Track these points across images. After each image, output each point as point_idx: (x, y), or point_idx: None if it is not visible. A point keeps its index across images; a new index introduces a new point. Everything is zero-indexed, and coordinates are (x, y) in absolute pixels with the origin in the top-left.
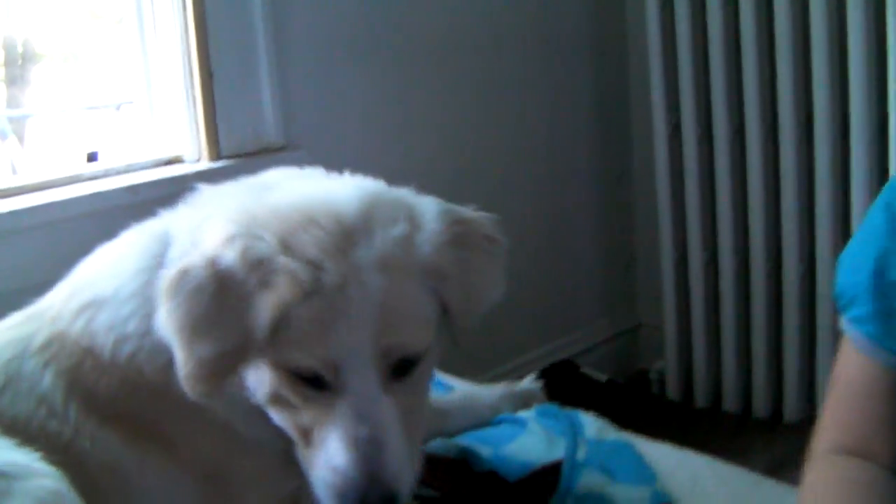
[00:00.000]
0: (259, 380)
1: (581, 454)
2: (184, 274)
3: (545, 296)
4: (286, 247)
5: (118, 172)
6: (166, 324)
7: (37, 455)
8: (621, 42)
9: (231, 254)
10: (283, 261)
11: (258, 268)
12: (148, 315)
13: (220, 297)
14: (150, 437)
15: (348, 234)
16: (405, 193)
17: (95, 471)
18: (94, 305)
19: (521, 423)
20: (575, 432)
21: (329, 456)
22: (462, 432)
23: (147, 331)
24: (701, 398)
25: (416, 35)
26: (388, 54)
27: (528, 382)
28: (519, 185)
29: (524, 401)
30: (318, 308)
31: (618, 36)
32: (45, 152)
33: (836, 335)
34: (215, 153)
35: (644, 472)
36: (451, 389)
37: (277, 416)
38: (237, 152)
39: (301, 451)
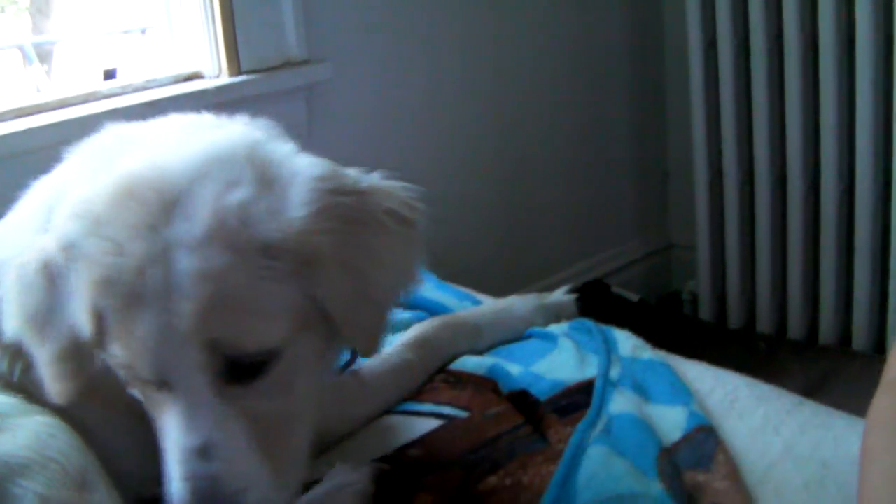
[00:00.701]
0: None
1: (615, 373)
2: (19, 268)
3: (576, 214)
4: (98, 227)
5: (136, 89)
6: (10, 324)
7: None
8: None
9: (52, 241)
10: (88, 244)
11: (71, 254)
12: None
13: (48, 290)
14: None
15: (166, 205)
16: (279, 153)
17: None
18: None
19: (552, 339)
20: (608, 349)
21: (166, 466)
22: (492, 348)
23: None
24: (734, 319)
25: None
26: None
27: (561, 294)
28: (550, 101)
29: (556, 313)
30: (121, 297)
31: None
32: (69, 76)
33: (875, 255)
34: (235, 68)
35: (680, 392)
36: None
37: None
38: (258, 67)
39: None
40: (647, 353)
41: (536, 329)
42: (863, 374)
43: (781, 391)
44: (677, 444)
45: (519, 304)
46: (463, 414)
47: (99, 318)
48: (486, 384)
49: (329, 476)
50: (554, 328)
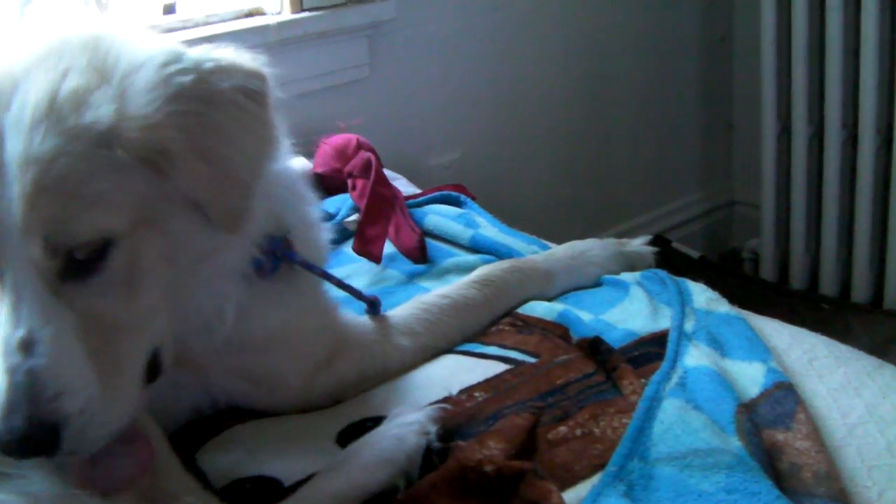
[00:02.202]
0: None
1: (689, 325)
2: None
3: (639, 167)
4: None
5: (196, 24)
6: None
7: None
8: None
9: None
10: None
11: None
12: None
13: None
14: None
15: (2, 94)
16: (124, 43)
17: None
18: None
19: (624, 288)
20: (683, 301)
21: None
22: (564, 293)
23: None
24: (797, 280)
25: None
26: None
27: (640, 244)
28: (617, 49)
29: (633, 262)
30: None
31: None
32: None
33: None
34: (298, 4)
35: (758, 348)
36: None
37: None
38: (321, 4)
39: None
40: (724, 306)
41: (608, 276)
42: None
43: (860, 353)
44: (755, 401)
45: (596, 249)
46: (531, 359)
47: None
48: (555, 330)
49: (392, 415)
50: (626, 276)
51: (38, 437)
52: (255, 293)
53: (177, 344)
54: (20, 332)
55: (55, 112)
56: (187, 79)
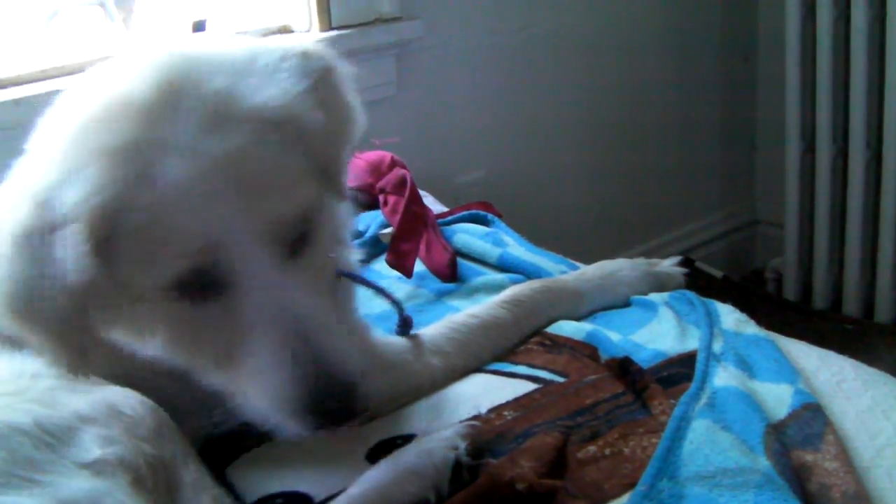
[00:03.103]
0: (139, 327)
1: (717, 346)
2: None
3: (661, 187)
4: (94, 153)
5: None
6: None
7: None
8: None
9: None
10: (85, 176)
11: (42, 212)
12: None
13: (23, 263)
14: None
15: (150, 110)
16: (240, 45)
17: None
18: None
19: (653, 308)
20: (711, 322)
21: (260, 373)
22: (593, 313)
23: None
24: (820, 300)
25: None
26: None
27: (670, 265)
28: (640, 67)
29: (663, 283)
30: (153, 201)
31: None
32: (155, 29)
33: None
34: (326, 22)
35: (786, 370)
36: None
37: (180, 356)
38: (349, 22)
39: (222, 380)
40: (752, 328)
41: (636, 297)
42: None
43: (887, 376)
44: (784, 421)
45: (626, 270)
46: (560, 378)
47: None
48: (584, 349)
49: (422, 432)
50: (655, 297)
51: (344, 404)
52: None
53: None
54: (286, 323)
55: (228, 108)
56: (311, 63)
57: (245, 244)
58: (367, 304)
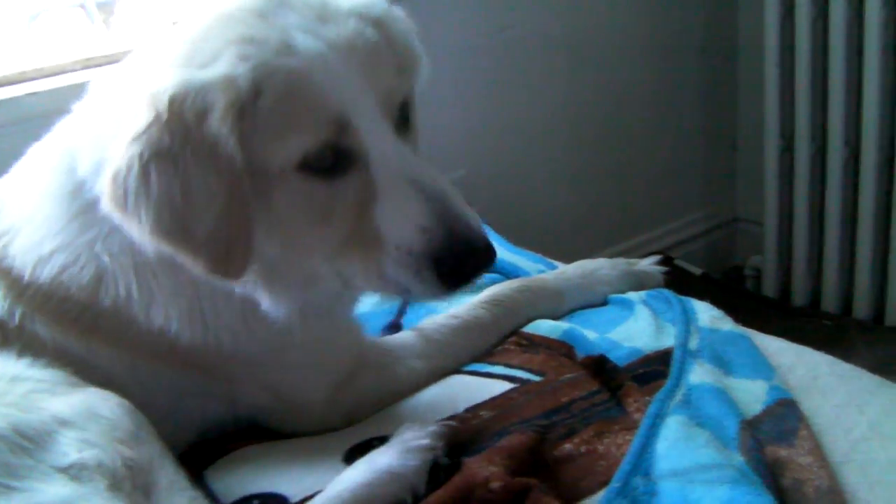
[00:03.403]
0: (272, 220)
1: (693, 343)
2: (125, 179)
3: (642, 184)
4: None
5: None
6: (147, 235)
7: None
8: None
9: (148, 118)
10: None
11: (192, 96)
12: (70, 235)
13: (171, 164)
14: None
15: (266, 11)
16: None
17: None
18: (9, 232)
19: (629, 306)
20: (688, 320)
21: (406, 221)
22: (572, 311)
23: (69, 249)
24: (799, 297)
25: None
26: None
27: (650, 264)
28: (623, 68)
29: (642, 282)
30: (292, 69)
31: None
32: (135, 30)
33: None
34: None
35: (761, 366)
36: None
37: (323, 244)
38: None
39: (359, 265)
40: (728, 324)
41: (614, 296)
42: None
43: (863, 371)
44: (758, 417)
45: (606, 269)
46: (536, 377)
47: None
48: (561, 348)
49: (397, 433)
50: (632, 295)
51: (485, 258)
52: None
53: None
54: (422, 175)
55: (329, 7)
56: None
57: (370, 116)
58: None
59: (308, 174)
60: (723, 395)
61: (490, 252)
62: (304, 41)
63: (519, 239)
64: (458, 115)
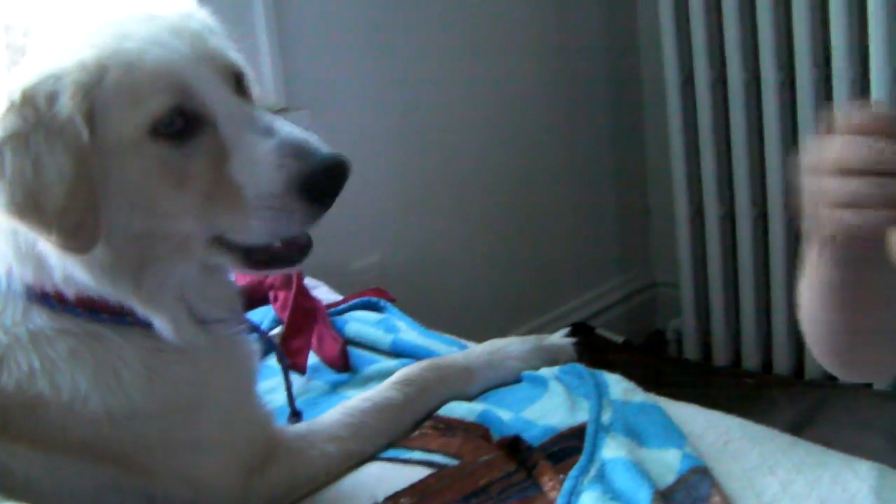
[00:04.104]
0: (127, 191)
1: (606, 417)
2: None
3: (559, 256)
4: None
5: None
6: (3, 212)
7: None
8: None
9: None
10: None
11: (43, 83)
12: None
13: (23, 144)
14: None
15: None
16: None
17: None
18: None
19: (543, 384)
20: (600, 394)
21: (260, 167)
22: (485, 391)
23: None
24: (720, 357)
25: None
26: (391, 11)
27: (559, 337)
28: (531, 142)
29: (554, 356)
30: (132, 49)
31: None
32: None
33: None
34: None
35: (673, 435)
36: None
37: (186, 208)
38: None
39: (227, 222)
40: (639, 396)
41: (526, 373)
42: (851, 406)
43: (774, 431)
44: (672, 487)
45: (515, 345)
46: (454, 461)
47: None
48: (477, 430)
49: None
50: (544, 372)
51: (342, 172)
52: (205, 367)
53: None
54: (266, 123)
55: (169, 12)
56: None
57: (210, 80)
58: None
59: (160, 141)
60: (636, 468)
61: (345, 160)
62: (139, 28)
63: (435, 321)
64: (368, 200)
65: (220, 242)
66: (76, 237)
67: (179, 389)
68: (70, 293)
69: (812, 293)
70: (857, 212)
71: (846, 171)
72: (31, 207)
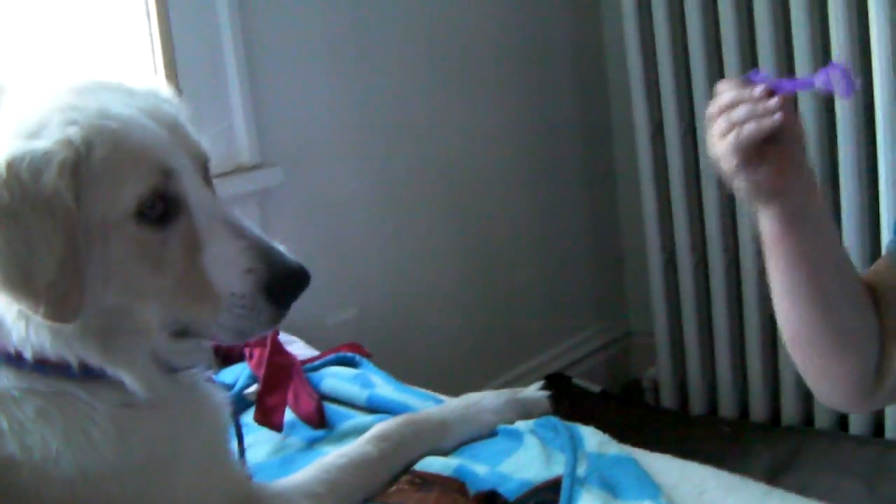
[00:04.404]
0: (109, 269)
1: (581, 470)
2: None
3: (534, 307)
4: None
5: None
6: None
7: None
8: (598, 43)
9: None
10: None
11: (27, 158)
12: None
13: (11, 220)
14: None
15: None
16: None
17: None
18: None
19: (518, 437)
20: (575, 446)
21: (232, 267)
22: (460, 445)
23: None
24: (696, 405)
25: (392, 49)
26: (363, 68)
27: (534, 390)
28: (504, 194)
29: (529, 410)
30: (115, 129)
31: (595, 37)
32: None
33: None
34: None
35: (647, 487)
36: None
37: (159, 291)
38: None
39: (194, 313)
40: (614, 448)
41: (502, 427)
42: (828, 451)
43: (748, 480)
44: None
45: (490, 398)
46: None
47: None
48: (453, 485)
49: None
50: (520, 425)
51: (302, 277)
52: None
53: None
54: (235, 218)
55: (133, 87)
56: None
57: (188, 170)
58: None
59: (142, 222)
60: None
61: (306, 270)
62: (117, 108)
63: (411, 375)
64: (343, 255)
65: (182, 334)
66: (63, 308)
67: (152, 446)
68: (27, 354)
69: (778, 285)
70: (736, 130)
71: (722, 108)
72: (22, 280)
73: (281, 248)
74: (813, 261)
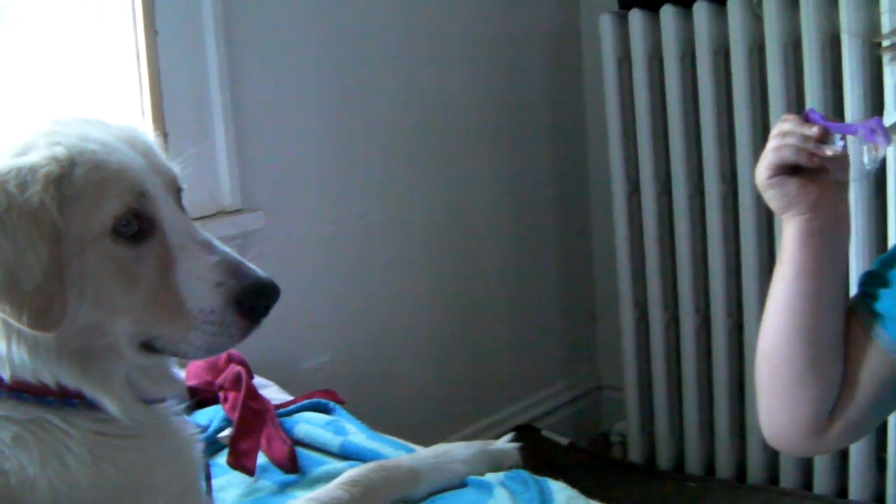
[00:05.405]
0: (87, 282)
1: None
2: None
3: (504, 359)
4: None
5: None
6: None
7: None
8: (578, 103)
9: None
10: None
11: (14, 173)
12: None
13: (2, 231)
14: None
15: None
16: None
17: None
18: None
19: (488, 489)
20: (544, 500)
21: (202, 282)
22: (430, 496)
23: None
24: (664, 460)
25: (374, 101)
26: (345, 117)
27: (504, 442)
28: (478, 247)
29: (499, 461)
30: (96, 151)
31: (576, 102)
32: None
33: None
34: None
35: None
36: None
37: (132, 306)
38: (193, 215)
39: (166, 330)
40: (582, 503)
41: (472, 478)
42: None
43: None
44: None
45: (461, 448)
46: None
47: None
48: None
49: None
50: (490, 477)
51: (272, 293)
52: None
53: None
54: (205, 237)
55: (119, 123)
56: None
57: (160, 192)
58: None
59: (118, 239)
60: None
61: (275, 284)
62: (96, 133)
63: (382, 423)
64: (320, 300)
65: (149, 348)
66: (45, 316)
67: (126, 475)
68: (5, 375)
69: (778, 293)
70: (777, 148)
71: (778, 133)
72: (7, 287)
73: (251, 265)
74: (820, 277)
